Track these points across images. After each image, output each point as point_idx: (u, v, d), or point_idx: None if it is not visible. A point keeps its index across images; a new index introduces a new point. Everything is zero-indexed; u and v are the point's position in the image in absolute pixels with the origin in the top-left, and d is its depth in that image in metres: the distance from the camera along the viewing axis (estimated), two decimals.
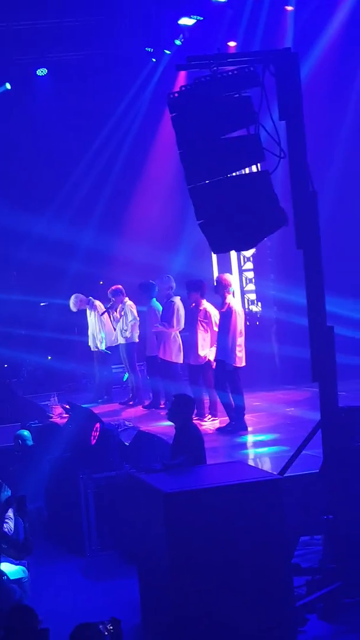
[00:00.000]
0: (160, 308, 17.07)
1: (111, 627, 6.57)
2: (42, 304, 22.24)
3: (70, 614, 9.59)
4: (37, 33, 19.38)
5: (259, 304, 19.86)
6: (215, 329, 15.23)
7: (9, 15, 18.41)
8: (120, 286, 17.94)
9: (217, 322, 15.26)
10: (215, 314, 15.33)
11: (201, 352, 15.33)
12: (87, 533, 12.12)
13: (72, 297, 18.62)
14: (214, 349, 15.17)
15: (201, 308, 15.48)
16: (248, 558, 8.69)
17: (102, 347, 18.28)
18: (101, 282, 20.05)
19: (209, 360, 15.32)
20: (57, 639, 6.84)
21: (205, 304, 15.51)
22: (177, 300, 16.25)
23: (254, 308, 19.82)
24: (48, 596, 10.51)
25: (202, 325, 15.42)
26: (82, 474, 12.31)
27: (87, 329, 18.68)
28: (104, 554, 12.00)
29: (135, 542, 9.98)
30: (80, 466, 12.49)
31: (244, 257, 20.02)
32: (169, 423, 10.94)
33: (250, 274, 20.07)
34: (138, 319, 17.50)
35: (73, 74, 21.09)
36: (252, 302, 19.84)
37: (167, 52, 20.45)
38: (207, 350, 15.33)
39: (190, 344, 15.68)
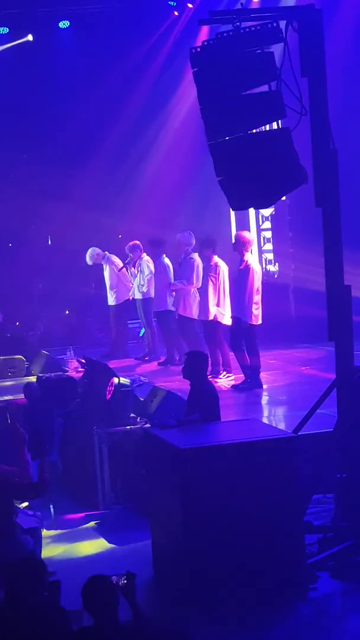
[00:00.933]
0: (170, 264, 17.09)
1: (125, 581, 6.60)
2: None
3: (82, 567, 9.69)
4: None
5: (277, 264, 19.81)
6: (223, 285, 15.25)
7: None
8: (137, 242, 17.91)
9: (226, 278, 15.29)
10: (225, 269, 15.35)
11: (211, 309, 15.35)
12: (100, 487, 12.18)
13: (89, 251, 18.62)
14: (226, 307, 15.21)
15: (212, 263, 15.49)
16: (261, 515, 8.74)
17: (111, 302, 18.35)
18: (119, 236, 20.03)
19: (215, 316, 15.33)
20: (69, 592, 6.86)
21: (216, 259, 15.52)
22: (196, 256, 16.23)
23: (271, 268, 19.78)
24: (59, 549, 10.61)
25: (211, 280, 15.43)
26: (96, 428, 12.36)
27: (104, 283, 18.71)
28: (117, 508, 12.06)
29: (148, 496, 10.03)
30: (94, 420, 12.54)
31: (262, 216, 19.95)
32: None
33: (268, 234, 20.00)
34: (153, 272, 17.48)
35: (95, 26, 20.95)
36: (270, 262, 19.78)
37: (190, 5, 20.27)
38: (213, 307, 15.33)
39: (201, 300, 15.71)
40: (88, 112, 21.63)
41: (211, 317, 15.42)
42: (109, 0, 20.30)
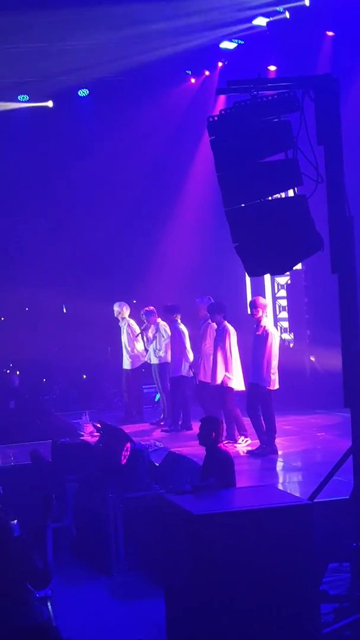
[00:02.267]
0: (185, 330, 17.14)
1: None
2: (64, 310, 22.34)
3: (96, 634, 9.61)
4: (79, 53, 19.52)
5: (292, 333, 19.84)
6: (231, 350, 15.27)
7: (54, 35, 18.55)
8: (152, 307, 17.99)
9: (234, 342, 15.32)
10: (233, 334, 15.40)
11: (218, 373, 15.36)
12: (114, 553, 12.11)
13: (118, 304, 18.64)
14: (234, 372, 15.23)
15: (221, 328, 15.55)
16: (275, 583, 8.66)
17: (127, 366, 18.41)
18: (134, 301, 20.12)
19: (224, 381, 15.35)
20: None
21: (226, 324, 15.58)
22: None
23: (286, 336, 19.79)
24: (74, 615, 10.52)
25: (220, 346, 15.47)
26: (111, 494, 12.32)
27: (120, 348, 18.78)
28: (131, 574, 11.98)
29: (162, 563, 9.96)
30: (109, 485, 12.50)
31: (278, 284, 20.05)
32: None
33: (284, 302, 20.07)
34: (168, 339, 17.52)
35: (113, 94, 21.25)
36: (285, 330, 19.78)
37: (207, 72, 20.57)
38: (221, 372, 15.33)
39: (212, 365, 15.72)
40: (105, 177, 21.88)
41: (219, 382, 15.41)
42: (127, 69, 20.55)
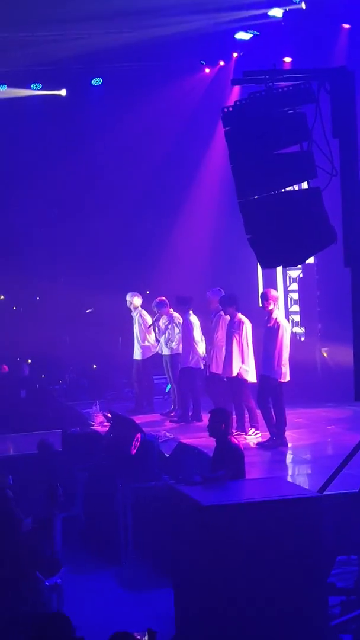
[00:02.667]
0: (197, 321, 17.14)
1: (147, 638, 6.56)
2: (87, 311, 22.36)
3: (104, 624, 9.62)
4: (93, 42, 19.50)
5: (303, 327, 19.83)
6: (247, 341, 15.28)
7: (69, 24, 18.54)
8: (164, 298, 17.97)
9: (249, 334, 15.31)
10: (248, 326, 15.37)
11: (235, 365, 15.36)
12: (123, 542, 12.13)
13: (130, 294, 18.64)
14: (250, 364, 15.24)
15: (235, 319, 15.53)
16: (284, 574, 8.68)
17: (137, 356, 18.48)
18: (147, 292, 20.12)
19: (239, 373, 15.35)
20: None
21: (240, 316, 15.56)
22: (224, 313, 16.25)
23: (297, 330, 19.77)
24: (83, 604, 10.55)
25: (234, 337, 15.45)
26: (121, 483, 12.33)
27: (131, 338, 18.80)
28: (140, 564, 12.00)
29: (171, 553, 9.98)
30: (119, 475, 12.52)
31: (290, 277, 20.04)
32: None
33: (296, 295, 20.06)
34: (180, 332, 17.52)
35: (127, 83, 21.22)
36: (297, 324, 19.76)
37: (221, 62, 20.55)
38: (237, 364, 15.33)
39: (225, 357, 15.70)
40: (118, 166, 21.87)
41: (235, 374, 15.41)
42: (141, 58, 20.53)
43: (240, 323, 15.47)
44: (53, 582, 9.57)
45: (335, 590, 9.54)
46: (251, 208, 9.46)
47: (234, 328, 15.51)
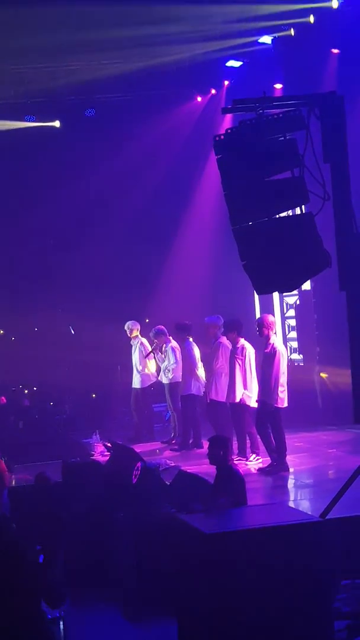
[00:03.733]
0: (196, 348, 17.18)
1: None
2: (72, 331, 22.39)
3: None
4: (85, 74, 19.63)
5: (301, 355, 19.83)
6: (250, 367, 15.30)
7: (60, 56, 18.65)
8: (162, 327, 18.02)
9: (253, 360, 15.33)
10: (251, 352, 15.40)
11: (237, 391, 15.37)
12: (126, 573, 12.07)
13: (129, 323, 18.71)
14: (253, 390, 15.24)
15: (238, 345, 15.56)
16: (288, 600, 8.64)
17: (136, 384, 18.49)
18: (147, 320, 20.16)
19: (242, 399, 15.35)
20: None
21: (243, 342, 15.59)
22: (225, 340, 16.28)
23: (295, 356, 19.77)
24: (86, 637, 10.51)
25: (238, 363, 15.48)
26: (122, 513, 12.29)
27: (130, 367, 18.83)
28: (143, 595, 11.92)
29: (174, 582, 9.94)
30: (120, 505, 12.48)
31: (287, 304, 20.08)
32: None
33: (293, 322, 20.09)
34: (178, 361, 17.52)
35: (120, 113, 21.31)
36: (295, 350, 19.75)
37: (213, 91, 20.66)
38: (240, 389, 15.34)
39: (229, 383, 15.70)
40: (112, 196, 21.93)
41: (238, 400, 15.43)
42: (133, 88, 20.63)
43: (243, 349, 15.49)
44: (56, 614, 9.52)
45: (341, 615, 9.50)
46: (245, 234, 9.50)
47: (237, 354, 15.54)
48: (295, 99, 9.84)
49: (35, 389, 21.47)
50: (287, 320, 20.20)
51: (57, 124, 21.82)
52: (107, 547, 12.39)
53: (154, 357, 18.24)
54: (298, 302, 19.87)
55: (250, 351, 15.48)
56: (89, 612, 11.44)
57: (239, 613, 8.54)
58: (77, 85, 20.16)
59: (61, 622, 9.41)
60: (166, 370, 17.81)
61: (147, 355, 18.30)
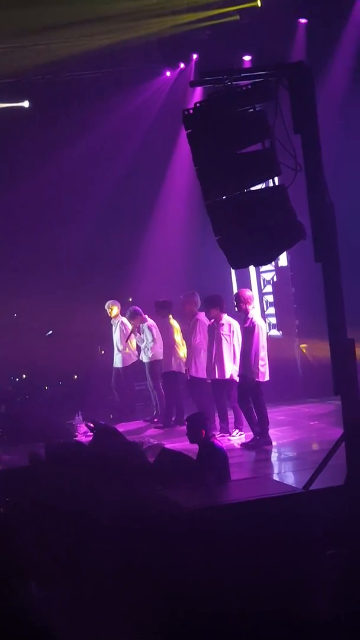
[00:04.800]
0: (177, 325, 17.17)
1: None
2: (48, 333, 22.34)
3: None
4: (53, 53, 19.48)
5: (281, 332, 19.79)
6: (236, 343, 15.27)
7: (28, 36, 18.52)
8: (137, 307, 18.05)
9: (239, 336, 15.29)
10: (237, 327, 15.36)
11: (227, 367, 15.34)
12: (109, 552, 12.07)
13: (110, 301, 18.70)
14: (235, 365, 15.21)
15: (223, 322, 15.52)
16: (274, 572, 8.65)
17: (117, 364, 18.56)
18: (130, 299, 20.11)
19: (231, 375, 15.35)
20: None
21: (227, 318, 15.55)
22: (202, 316, 16.24)
23: (274, 332, 19.73)
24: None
25: (225, 339, 15.44)
26: (105, 492, 12.27)
27: (111, 347, 18.84)
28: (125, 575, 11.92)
29: (159, 559, 9.94)
30: (103, 484, 12.46)
31: (264, 280, 20.05)
32: None
33: (271, 297, 20.06)
34: (156, 339, 17.51)
35: (88, 92, 21.14)
36: (274, 326, 19.69)
37: (182, 65, 20.55)
38: (229, 365, 15.34)
39: (214, 359, 15.65)
40: (84, 176, 21.77)
41: (228, 376, 15.39)
42: (101, 65, 20.47)
43: (230, 325, 15.47)
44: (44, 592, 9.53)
45: (327, 584, 9.50)
46: (218, 209, 9.48)
47: (223, 330, 15.49)
48: (263, 69, 9.79)
49: (24, 376, 21.38)
50: (265, 296, 20.15)
51: (25, 104, 21.62)
52: (92, 527, 12.39)
53: (135, 338, 18.24)
54: (275, 279, 19.82)
55: (236, 326, 15.42)
56: (75, 592, 11.43)
57: (225, 587, 8.54)
58: (44, 64, 19.99)
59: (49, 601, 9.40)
60: (145, 349, 17.80)
61: (128, 338, 18.31)
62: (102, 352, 21.02)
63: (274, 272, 19.79)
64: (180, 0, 17.71)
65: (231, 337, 15.41)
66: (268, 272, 20.01)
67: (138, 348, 18.31)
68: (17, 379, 20.94)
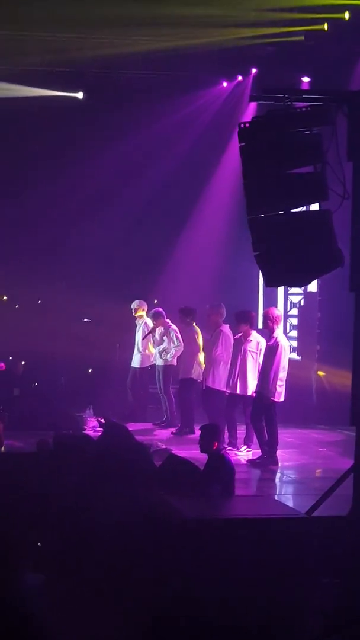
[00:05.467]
0: (200, 332, 17.21)
1: None
2: (85, 320, 22.35)
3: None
4: (113, 49, 19.54)
5: (300, 357, 19.76)
6: (261, 361, 15.28)
7: (90, 28, 18.58)
8: (160, 309, 18.07)
9: (262, 354, 15.30)
10: (264, 346, 15.34)
11: (250, 384, 15.34)
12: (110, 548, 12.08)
13: (137, 301, 18.72)
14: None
15: (251, 339, 15.54)
16: (267, 592, 8.65)
17: (136, 364, 18.62)
18: (155, 301, 20.14)
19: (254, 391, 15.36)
20: None
21: (256, 336, 15.58)
22: (226, 328, 16.27)
23: (294, 356, 19.69)
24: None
25: (252, 356, 15.46)
26: (110, 490, 12.28)
27: (130, 345, 18.86)
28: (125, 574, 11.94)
29: (159, 562, 9.95)
30: (109, 482, 12.48)
31: (290, 302, 20.04)
32: None
33: (295, 320, 20.04)
34: (182, 345, 17.54)
35: (143, 92, 21.19)
36: (294, 350, 19.63)
37: (240, 78, 20.59)
38: (253, 383, 15.33)
39: (237, 374, 15.64)
40: (129, 175, 21.82)
41: (250, 393, 15.36)
42: (159, 68, 20.50)
43: (258, 344, 15.48)
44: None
45: (318, 612, 9.50)
46: (260, 225, 9.49)
47: (252, 348, 15.50)
48: (324, 93, 9.81)
49: (24, 363, 21.40)
50: (290, 318, 20.14)
51: (80, 95, 21.68)
52: (93, 522, 12.41)
53: (152, 340, 18.26)
54: (302, 303, 19.80)
55: (263, 345, 15.39)
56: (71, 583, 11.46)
57: (219, 599, 8.54)
58: (103, 59, 20.05)
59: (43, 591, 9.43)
60: (163, 352, 17.80)
61: (145, 337, 18.33)
62: (117, 345, 21.03)
63: (302, 296, 19.77)
64: (247, 14, 17.69)
65: (257, 354, 15.41)
66: (296, 295, 20.00)
67: None
68: (28, 362, 20.91)
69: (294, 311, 20.15)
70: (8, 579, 8.72)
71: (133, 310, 18.72)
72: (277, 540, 8.76)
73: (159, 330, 17.96)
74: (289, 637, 8.63)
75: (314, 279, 10.06)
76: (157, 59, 19.84)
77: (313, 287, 19.14)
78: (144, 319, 18.62)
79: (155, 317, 18.04)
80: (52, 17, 17.68)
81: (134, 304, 18.73)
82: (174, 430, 17.34)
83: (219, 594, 8.53)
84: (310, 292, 19.37)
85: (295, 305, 20.08)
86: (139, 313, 18.69)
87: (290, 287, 17.82)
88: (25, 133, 21.48)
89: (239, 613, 8.54)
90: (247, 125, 9.42)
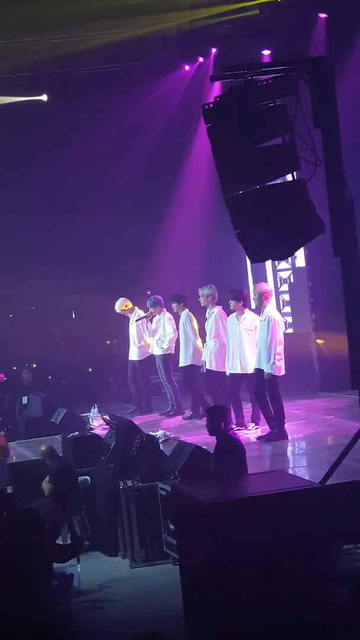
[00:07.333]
0: (193, 318, 17.18)
1: None
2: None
3: (114, 623, 9.68)
4: (71, 47, 19.53)
5: (297, 331, 19.74)
6: (256, 338, 15.28)
7: (45, 29, 18.56)
8: (160, 297, 17.98)
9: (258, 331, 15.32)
10: (258, 324, 15.34)
11: (250, 361, 15.32)
12: (130, 543, 12.14)
13: (121, 299, 18.68)
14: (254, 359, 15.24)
15: (246, 317, 15.53)
16: (291, 566, 8.69)
17: (134, 357, 18.55)
18: (148, 292, 20.11)
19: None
20: None
21: (250, 313, 15.55)
22: (218, 309, 16.27)
23: (290, 331, 19.68)
24: (92, 606, 10.60)
25: (247, 333, 15.44)
26: (123, 485, 12.33)
27: (125, 340, 18.84)
28: (146, 564, 12.00)
29: (178, 551, 9.99)
30: (121, 477, 12.53)
31: (280, 278, 20.03)
32: None
33: (287, 296, 20.03)
34: (175, 331, 17.51)
35: (106, 86, 21.15)
36: (290, 325, 19.59)
37: (201, 59, 20.54)
38: (253, 359, 15.31)
39: (235, 353, 15.64)
40: (103, 169, 21.82)
41: (251, 370, 15.34)
42: (120, 59, 20.48)
43: (253, 321, 15.45)
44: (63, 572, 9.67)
45: (343, 579, 9.53)
46: (237, 203, 9.48)
47: (247, 326, 15.47)
48: (283, 64, 9.79)
49: (34, 366, 21.43)
50: (281, 295, 20.10)
51: (44, 97, 21.64)
52: (111, 519, 12.49)
53: (146, 328, 18.20)
54: (292, 279, 19.76)
55: (258, 322, 15.38)
56: (94, 582, 11.55)
57: (240, 579, 8.58)
58: (62, 58, 20.02)
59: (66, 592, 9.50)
60: (159, 341, 17.76)
61: (138, 319, 18.24)
62: (108, 342, 21.04)
63: (290, 272, 19.74)
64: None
65: (253, 332, 15.38)
66: (285, 270, 19.97)
67: None
68: (30, 370, 20.93)
69: (285, 287, 20.11)
70: (38, 580, 8.76)
71: (121, 309, 18.61)
72: (295, 513, 8.78)
73: (156, 320, 17.91)
74: (320, 606, 8.67)
75: (296, 250, 10.03)
76: (115, 51, 19.83)
77: (301, 261, 19.11)
78: (135, 311, 18.54)
79: (154, 304, 17.94)
80: (6, 24, 17.63)
81: (119, 304, 18.58)
82: (185, 414, 17.28)
83: (246, 573, 8.57)
84: (299, 268, 19.33)
85: (285, 281, 20.04)
86: (128, 307, 18.58)
87: (275, 260, 17.72)
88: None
89: (267, 587, 8.58)
90: (211, 105, 9.40)
